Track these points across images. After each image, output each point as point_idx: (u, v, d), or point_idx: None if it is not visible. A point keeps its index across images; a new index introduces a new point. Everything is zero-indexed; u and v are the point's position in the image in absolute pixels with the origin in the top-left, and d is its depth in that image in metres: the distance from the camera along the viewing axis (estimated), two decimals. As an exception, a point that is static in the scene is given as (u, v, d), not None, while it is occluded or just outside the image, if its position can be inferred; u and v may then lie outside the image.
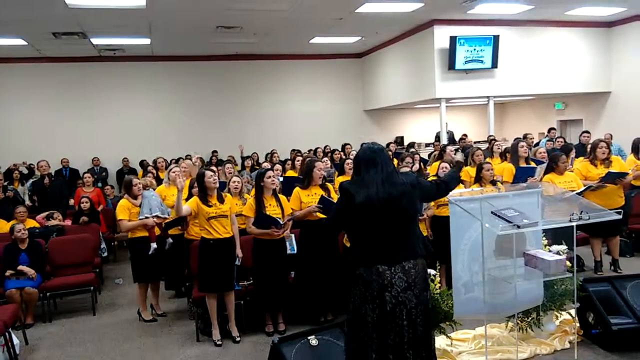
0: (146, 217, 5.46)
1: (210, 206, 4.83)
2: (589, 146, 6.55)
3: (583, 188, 5.84)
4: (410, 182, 2.99)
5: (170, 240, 5.71)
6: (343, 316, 5.04)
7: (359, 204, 2.86)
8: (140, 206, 5.51)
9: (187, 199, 5.27)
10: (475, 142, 11.11)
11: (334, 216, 3.09)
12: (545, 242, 4.31)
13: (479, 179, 5.75)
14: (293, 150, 11.58)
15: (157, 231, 5.58)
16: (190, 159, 10.00)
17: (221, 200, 4.92)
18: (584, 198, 5.63)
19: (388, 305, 2.81)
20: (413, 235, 2.98)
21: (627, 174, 6.20)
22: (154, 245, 5.48)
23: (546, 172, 6.10)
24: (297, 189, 5.21)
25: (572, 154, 7.47)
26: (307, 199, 5.10)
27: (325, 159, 8.24)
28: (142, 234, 5.51)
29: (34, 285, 5.68)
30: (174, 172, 6.04)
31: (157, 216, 5.53)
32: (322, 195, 5.04)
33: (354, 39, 12.75)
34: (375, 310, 2.83)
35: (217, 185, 4.97)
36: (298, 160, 8.00)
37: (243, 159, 11.65)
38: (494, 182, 5.72)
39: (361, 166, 3.00)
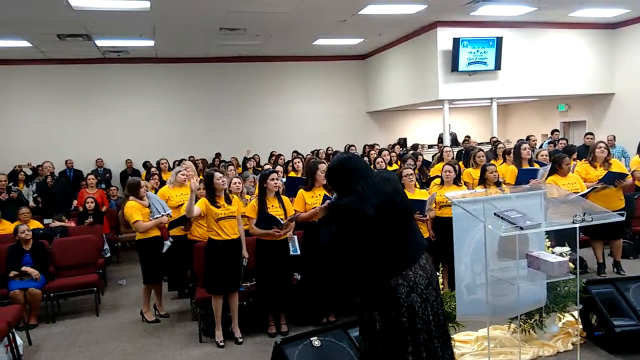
0: (162, 216, 5.54)
1: (218, 207, 4.84)
2: (590, 148, 6.55)
3: (587, 190, 5.83)
4: (393, 178, 2.99)
5: (171, 240, 5.74)
6: (344, 317, 5.06)
7: (372, 218, 2.71)
8: (149, 207, 5.57)
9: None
10: (479, 144, 11.09)
11: (335, 240, 2.81)
12: (548, 243, 4.31)
13: (482, 181, 5.74)
14: (294, 151, 11.59)
15: None
16: (193, 161, 10.04)
17: (229, 201, 4.94)
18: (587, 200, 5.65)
19: (416, 305, 2.77)
20: (416, 228, 2.98)
21: (626, 175, 6.18)
22: (167, 242, 5.58)
23: (550, 174, 6.09)
24: (301, 190, 5.23)
25: (574, 156, 7.46)
26: (312, 200, 5.12)
27: (324, 162, 8.21)
28: (155, 233, 5.56)
29: (37, 286, 5.71)
30: (182, 174, 6.05)
31: (169, 214, 5.62)
32: (324, 195, 5.05)
33: (357, 41, 12.76)
34: (404, 314, 2.77)
35: (226, 186, 4.99)
36: (297, 163, 7.98)
37: (245, 160, 11.66)
38: (498, 184, 5.71)
39: (347, 179, 2.82)
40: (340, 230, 2.81)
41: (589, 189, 5.87)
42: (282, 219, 4.92)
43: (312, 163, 5.37)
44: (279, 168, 7.50)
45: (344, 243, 2.83)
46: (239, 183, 5.64)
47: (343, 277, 4.84)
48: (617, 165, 6.31)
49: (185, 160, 9.42)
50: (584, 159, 6.57)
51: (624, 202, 6.14)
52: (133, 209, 5.46)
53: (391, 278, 2.77)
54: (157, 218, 5.52)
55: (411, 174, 5.60)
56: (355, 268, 2.89)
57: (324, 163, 5.38)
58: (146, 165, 12.18)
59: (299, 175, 7.40)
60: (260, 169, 9.85)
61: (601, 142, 6.35)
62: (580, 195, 4.99)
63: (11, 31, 9.77)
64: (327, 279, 4.98)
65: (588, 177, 6.14)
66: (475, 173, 6.36)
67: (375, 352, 2.84)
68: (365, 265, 2.84)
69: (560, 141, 9.59)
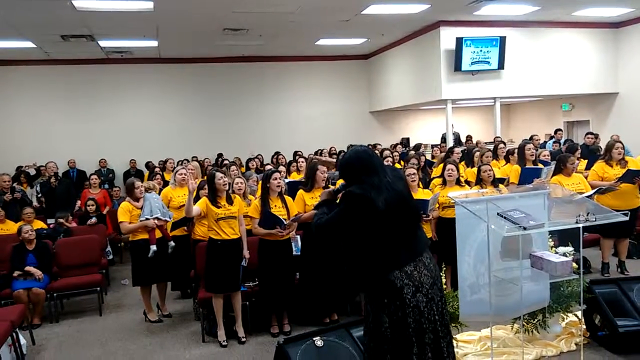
0: (146, 219, 5.44)
1: (219, 207, 4.85)
2: (604, 147, 6.49)
3: (593, 191, 5.78)
4: (403, 177, 3.04)
5: (172, 243, 5.69)
6: (347, 317, 5.07)
7: (382, 211, 2.71)
8: (141, 208, 5.50)
9: (195, 200, 5.28)
10: (486, 143, 11.04)
11: (332, 222, 2.84)
12: (552, 243, 4.30)
13: (479, 181, 5.76)
14: (296, 152, 11.58)
15: (157, 234, 5.54)
16: (197, 161, 10.04)
17: (230, 201, 4.94)
18: (598, 198, 5.62)
19: (422, 305, 2.76)
20: (421, 227, 3.01)
21: None
22: (153, 247, 5.44)
23: (554, 174, 6.06)
24: (300, 191, 5.22)
25: (577, 154, 7.41)
26: (311, 201, 5.09)
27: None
28: (142, 236, 5.47)
29: (41, 286, 5.72)
30: (180, 174, 6.06)
31: (157, 218, 5.49)
32: (325, 197, 5.04)
33: (360, 41, 12.76)
34: (410, 314, 2.75)
35: (227, 187, 4.99)
36: (300, 162, 7.96)
37: (249, 160, 11.65)
38: (495, 184, 5.70)
39: (360, 172, 2.81)
40: (343, 216, 2.79)
41: (594, 190, 5.83)
42: (284, 219, 4.92)
43: (312, 164, 5.36)
44: (282, 168, 7.49)
45: (346, 229, 2.81)
46: (241, 184, 5.62)
47: (341, 267, 4.84)
48: (633, 163, 6.27)
49: (189, 161, 9.43)
50: (600, 159, 6.48)
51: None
52: (122, 210, 5.48)
53: (392, 271, 2.75)
54: (141, 221, 5.42)
55: (414, 174, 5.60)
56: (355, 258, 2.88)
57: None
58: (148, 165, 12.21)
59: (302, 176, 7.38)
60: (262, 169, 9.85)
61: (618, 142, 6.30)
62: (586, 196, 4.97)
63: (15, 32, 9.81)
64: (325, 271, 4.96)
65: (606, 176, 6.09)
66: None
67: (380, 352, 2.82)
68: (366, 256, 2.82)
69: (568, 142, 9.51)
